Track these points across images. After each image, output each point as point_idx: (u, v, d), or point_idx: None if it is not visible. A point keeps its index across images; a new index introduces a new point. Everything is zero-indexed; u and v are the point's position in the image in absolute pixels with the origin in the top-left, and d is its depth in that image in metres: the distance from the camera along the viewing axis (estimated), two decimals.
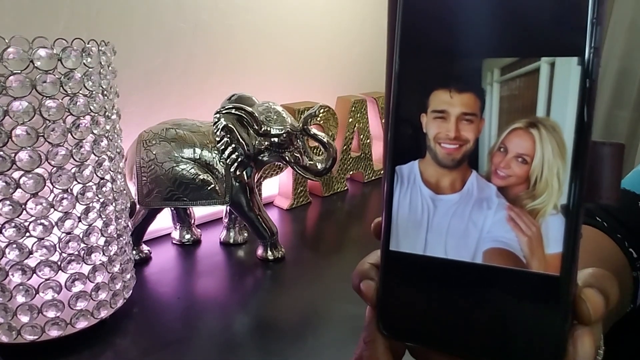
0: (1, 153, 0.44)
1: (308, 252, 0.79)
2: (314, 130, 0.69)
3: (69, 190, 0.48)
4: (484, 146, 0.21)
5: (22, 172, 0.45)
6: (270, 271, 0.71)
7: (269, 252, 0.73)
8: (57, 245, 0.49)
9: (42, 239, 0.48)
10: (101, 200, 0.52)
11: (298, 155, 0.69)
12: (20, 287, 0.48)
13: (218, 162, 0.68)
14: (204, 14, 0.81)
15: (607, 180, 0.20)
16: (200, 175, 0.67)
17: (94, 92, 0.49)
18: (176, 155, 0.67)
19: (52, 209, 0.47)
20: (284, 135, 0.68)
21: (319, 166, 0.70)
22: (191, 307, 0.61)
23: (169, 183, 0.67)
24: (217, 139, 0.67)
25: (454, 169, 0.21)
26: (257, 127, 0.67)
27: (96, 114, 0.49)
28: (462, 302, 0.21)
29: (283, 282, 0.69)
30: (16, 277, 0.48)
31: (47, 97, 0.45)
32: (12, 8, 0.61)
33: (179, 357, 0.52)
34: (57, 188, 0.47)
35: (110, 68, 0.53)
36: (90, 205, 0.50)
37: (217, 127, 0.67)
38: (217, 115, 0.67)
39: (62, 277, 0.50)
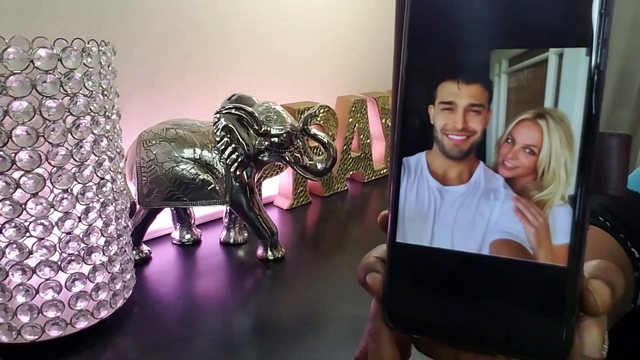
0: (1, 153, 0.44)
1: (308, 252, 0.79)
2: (314, 130, 0.69)
3: (69, 190, 0.48)
4: (492, 137, 0.20)
5: (22, 172, 0.45)
6: (270, 271, 0.71)
7: (269, 252, 0.72)
8: (57, 245, 0.49)
9: (42, 239, 0.47)
10: (101, 200, 0.52)
11: (298, 155, 0.69)
12: (20, 287, 0.48)
13: (218, 162, 0.68)
14: (203, 14, 0.81)
15: (614, 171, 0.20)
16: (200, 175, 0.67)
17: (94, 92, 0.49)
18: (176, 155, 0.67)
19: (52, 209, 0.47)
20: (284, 135, 0.68)
21: (319, 166, 0.70)
22: (191, 307, 0.61)
23: (169, 183, 0.67)
24: (217, 139, 0.67)
25: (462, 160, 0.21)
26: (257, 127, 0.67)
27: (96, 114, 0.49)
28: (468, 293, 0.21)
29: (283, 282, 0.69)
30: (16, 277, 0.47)
31: (47, 97, 0.45)
32: (12, 8, 0.60)
33: (179, 357, 0.52)
34: (57, 188, 0.47)
35: (110, 68, 0.52)
36: (90, 205, 0.50)
37: (217, 127, 0.67)
38: (217, 115, 0.67)
39: (62, 277, 0.50)
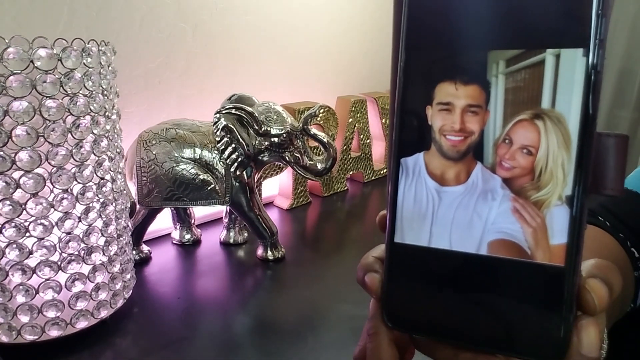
0: (1, 153, 0.44)
1: (308, 252, 0.79)
2: (314, 130, 0.69)
3: (69, 190, 0.48)
4: (489, 138, 0.21)
5: (22, 172, 0.45)
6: (270, 271, 0.71)
7: (269, 252, 0.72)
8: (57, 245, 0.49)
9: (42, 239, 0.47)
10: (101, 200, 0.52)
11: (298, 155, 0.69)
12: (20, 287, 0.48)
13: (218, 162, 0.68)
14: (203, 14, 0.81)
15: (612, 171, 0.20)
16: (200, 175, 0.67)
17: (94, 92, 0.49)
18: (176, 155, 0.67)
19: (52, 209, 0.47)
20: (284, 135, 0.68)
21: (319, 166, 0.70)
22: (191, 307, 0.61)
23: (169, 183, 0.67)
24: (217, 139, 0.67)
25: (459, 161, 0.21)
26: (257, 127, 0.67)
27: (96, 114, 0.49)
28: (466, 293, 0.21)
29: (283, 282, 0.69)
30: (16, 277, 0.48)
31: (47, 97, 0.45)
32: (12, 8, 0.60)
33: (179, 357, 0.52)
34: (57, 188, 0.47)
35: (110, 68, 0.53)
36: (90, 205, 0.50)
37: (217, 127, 0.67)
38: (217, 115, 0.67)
39: (62, 277, 0.50)
